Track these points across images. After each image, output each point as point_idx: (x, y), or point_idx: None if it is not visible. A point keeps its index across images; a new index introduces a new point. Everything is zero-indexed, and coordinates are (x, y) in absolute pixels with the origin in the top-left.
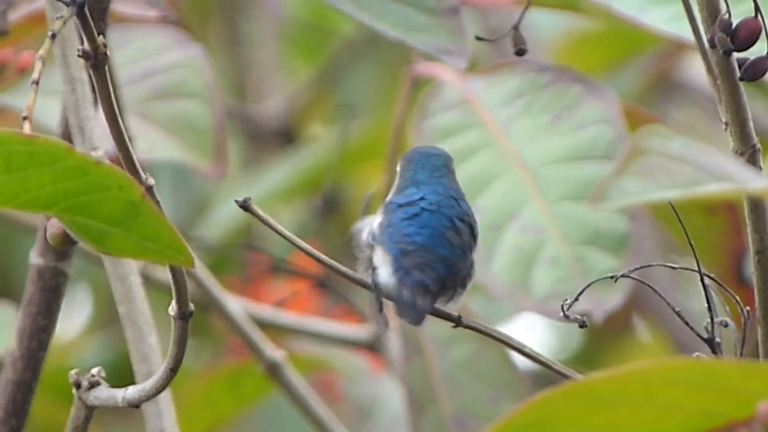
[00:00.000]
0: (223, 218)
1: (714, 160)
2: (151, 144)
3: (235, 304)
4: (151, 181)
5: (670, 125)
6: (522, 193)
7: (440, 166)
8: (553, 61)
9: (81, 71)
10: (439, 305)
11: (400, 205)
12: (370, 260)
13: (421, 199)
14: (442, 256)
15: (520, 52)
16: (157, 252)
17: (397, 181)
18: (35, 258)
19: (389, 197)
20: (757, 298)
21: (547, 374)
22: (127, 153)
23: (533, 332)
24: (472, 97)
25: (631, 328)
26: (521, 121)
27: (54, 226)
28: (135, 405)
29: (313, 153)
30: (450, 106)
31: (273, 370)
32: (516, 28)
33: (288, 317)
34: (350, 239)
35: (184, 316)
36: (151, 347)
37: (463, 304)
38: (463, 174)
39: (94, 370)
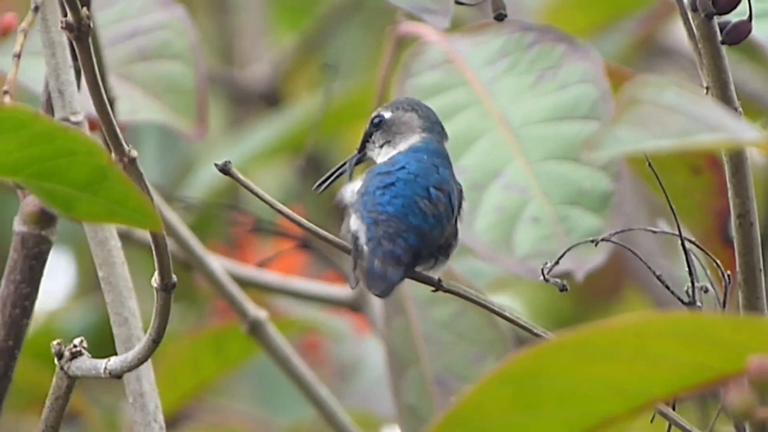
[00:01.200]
0: (207, 178)
1: (707, 111)
2: (133, 105)
3: (218, 264)
4: (134, 153)
5: None
6: (505, 153)
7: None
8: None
9: (61, 35)
10: (421, 270)
11: (379, 173)
12: (348, 225)
13: (402, 168)
14: (413, 225)
15: (500, 17)
16: (125, 216)
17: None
18: (19, 225)
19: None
20: (738, 261)
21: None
22: (110, 125)
23: (521, 297)
24: (456, 57)
25: (619, 294)
26: (505, 81)
27: (30, 204)
28: (117, 376)
29: (296, 113)
30: (434, 65)
31: (256, 330)
32: None
33: (271, 277)
34: (337, 200)
35: (167, 288)
36: (131, 311)
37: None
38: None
39: (76, 341)
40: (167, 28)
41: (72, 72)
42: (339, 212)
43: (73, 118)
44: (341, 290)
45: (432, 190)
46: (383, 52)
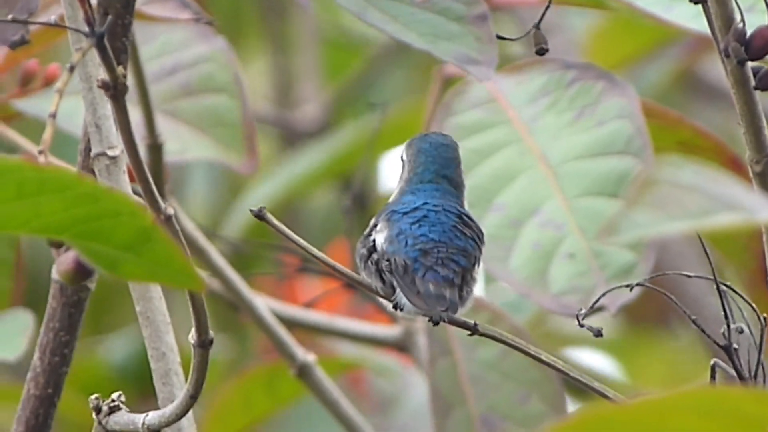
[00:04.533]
0: (255, 205)
1: (725, 189)
2: (182, 144)
3: (265, 307)
4: (170, 211)
5: (694, 123)
6: (544, 190)
7: (450, 158)
8: (582, 52)
9: (97, 69)
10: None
11: (405, 213)
12: (382, 273)
13: (424, 203)
14: (460, 247)
15: (541, 52)
16: (169, 277)
17: (402, 174)
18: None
19: (389, 205)
20: None
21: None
22: (146, 183)
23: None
24: (499, 96)
25: (667, 320)
26: (546, 119)
27: (63, 263)
28: (155, 431)
29: (342, 139)
30: (477, 104)
31: (304, 373)
32: (537, 27)
33: (318, 317)
34: (359, 254)
35: (204, 344)
36: (168, 345)
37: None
38: (486, 171)
39: (114, 395)
40: (210, 61)
41: (109, 106)
42: (364, 266)
43: (110, 153)
44: (388, 330)
45: (464, 216)
46: (430, 91)
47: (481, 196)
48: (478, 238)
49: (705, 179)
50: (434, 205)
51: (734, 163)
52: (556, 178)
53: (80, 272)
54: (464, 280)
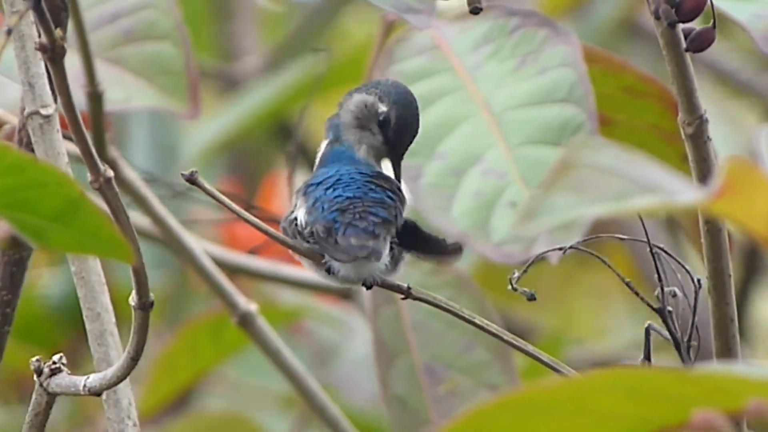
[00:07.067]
0: (200, 145)
1: (644, 171)
2: (126, 92)
3: (207, 257)
4: (110, 173)
5: (638, 68)
6: (486, 138)
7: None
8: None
9: (30, 27)
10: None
11: (318, 183)
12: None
13: (337, 171)
14: (377, 199)
15: (475, 11)
16: (97, 247)
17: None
18: None
19: (306, 181)
20: (707, 267)
21: (520, 319)
22: (85, 146)
23: None
24: (443, 43)
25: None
26: (488, 67)
27: (1, 229)
28: (96, 393)
29: (286, 78)
30: (420, 51)
31: (246, 323)
32: None
33: (262, 264)
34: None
35: (144, 306)
36: (103, 306)
37: None
38: (428, 119)
39: (56, 357)
40: (151, 8)
41: (42, 64)
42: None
43: (43, 111)
44: None
45: (378, 178)
46: (374, 39)
47: (424, 144)
48: (397, 191)
49: (623, 161)
50: (347, 170)
51: (677, 108)
52: (498, 126)
53: (17, 239)
54: (388, 231)
